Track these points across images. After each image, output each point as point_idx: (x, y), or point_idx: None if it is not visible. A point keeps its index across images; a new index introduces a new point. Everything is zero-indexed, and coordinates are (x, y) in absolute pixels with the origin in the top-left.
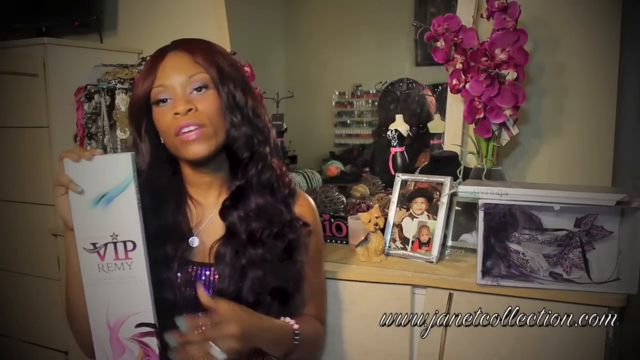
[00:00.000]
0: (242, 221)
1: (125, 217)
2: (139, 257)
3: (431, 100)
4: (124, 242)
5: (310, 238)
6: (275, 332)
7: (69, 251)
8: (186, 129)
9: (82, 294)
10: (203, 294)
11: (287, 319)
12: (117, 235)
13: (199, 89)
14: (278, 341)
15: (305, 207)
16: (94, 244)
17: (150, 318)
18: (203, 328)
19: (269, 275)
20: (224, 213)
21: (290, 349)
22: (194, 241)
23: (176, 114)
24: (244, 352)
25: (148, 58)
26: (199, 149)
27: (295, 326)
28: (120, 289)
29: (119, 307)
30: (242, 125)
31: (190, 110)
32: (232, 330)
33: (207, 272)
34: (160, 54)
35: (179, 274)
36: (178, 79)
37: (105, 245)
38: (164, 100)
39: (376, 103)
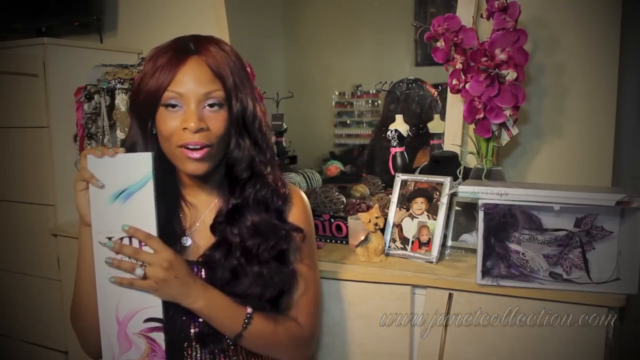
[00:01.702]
0: (235, 236)
1: (142, 213)
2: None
3: (432, 99)
4: None
5: (304, 243)
6: (217, 298)
7: (83, 247)
8: (192, 147)
9: (93, 290)
10: (141, 231)
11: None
12: None
13: (212, 105)
14: (220, 311)
15: (297, 208)
16: (109, 238)
17: (159, 313)
18: (139, 246)
19: (259, 280)
20: (215, 229)
21: (238, 332)
22: (187, 241)
23: (185, 128)
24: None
25: (163, 49)
26: (198, 167)
27: (249, 310)
28: None
29: (129, 302)
30: (247, 146)
31: (201, 129)
32: (165, 257)
33: (197, 270)
34: (182, 55)
35: None
36: (194, 92)
37: (121, 239)
38: (173, 106)
39: (376, 103)
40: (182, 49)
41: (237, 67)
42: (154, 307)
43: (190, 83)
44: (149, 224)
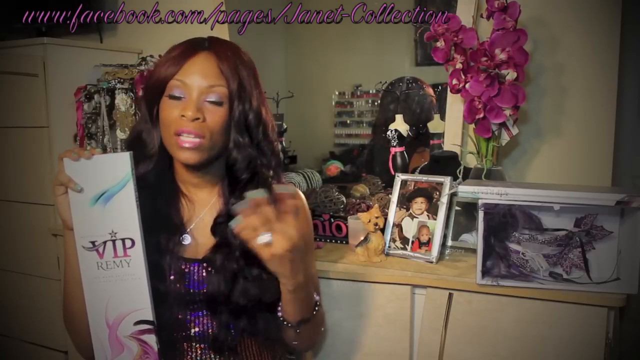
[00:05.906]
0: (235, 237)
1: (124, 215)
2: (138, 254)
3: (432, 99)
4: (123, 240)
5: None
6: (307, 284)
7: (68, 251)
8: (186, 136)
9: (81, 293)
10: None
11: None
12: (115, 233)
13: (212, 102)
14: (305, 295)
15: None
16: (93, 242)
17: (149, 315)
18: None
19: (258, 283)
20: (215, 230)
21: (307, 318)
22: (186, 238)
23: (183, 116)
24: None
25: (179, 44)
26: (189, 157)
27: (317, 297)
28: (119, 286)
29: (117, 305)
30: (248, 146)
31: (197, 119)
32: (292, 233)
33: (198, 268)
34: (193, 49)
35: (171, 271)
36: (198, 83)
37: (104, 243)
38: (177, 97)
39: (376, 103)
40: (196, 44)
41: (247, 73)
42: (144, 309)
43: (196, 74)
44: (132, 226)
